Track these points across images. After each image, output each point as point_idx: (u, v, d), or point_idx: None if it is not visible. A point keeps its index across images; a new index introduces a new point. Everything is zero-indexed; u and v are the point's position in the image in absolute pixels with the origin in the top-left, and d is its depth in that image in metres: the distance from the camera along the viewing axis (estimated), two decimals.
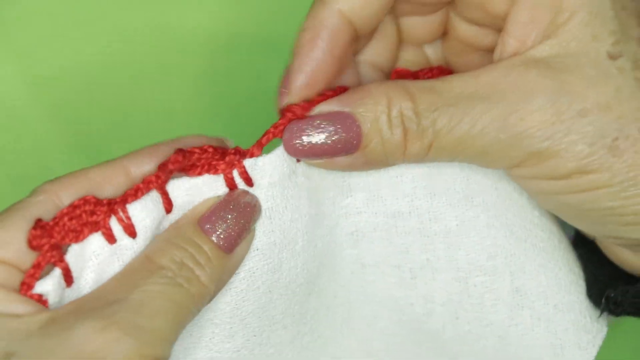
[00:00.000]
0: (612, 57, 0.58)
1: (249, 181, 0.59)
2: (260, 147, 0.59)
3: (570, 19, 0.57)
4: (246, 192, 0.58)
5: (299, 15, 0.61)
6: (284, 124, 0.59)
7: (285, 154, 0.59)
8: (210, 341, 0.61)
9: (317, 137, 0.58)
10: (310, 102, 0.59)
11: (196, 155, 0.58)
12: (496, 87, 0.57)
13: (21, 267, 0.54)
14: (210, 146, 0.58)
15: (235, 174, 0.58)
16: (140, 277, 0.54)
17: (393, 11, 0.63)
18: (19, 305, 0.53)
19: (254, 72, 0.88)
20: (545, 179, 0.58)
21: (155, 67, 0.88)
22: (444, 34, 0.65)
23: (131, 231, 0.56)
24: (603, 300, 0.64)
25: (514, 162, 0.58)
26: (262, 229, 0.60)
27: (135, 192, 0.56)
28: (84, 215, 0.55)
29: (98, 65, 0.88)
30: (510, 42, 0.59)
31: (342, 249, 0.64)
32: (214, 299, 0.59)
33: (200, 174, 0.58)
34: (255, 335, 0.62)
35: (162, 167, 0.57)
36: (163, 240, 0.56)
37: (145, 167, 0.57)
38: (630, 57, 0.58)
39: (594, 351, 0.66)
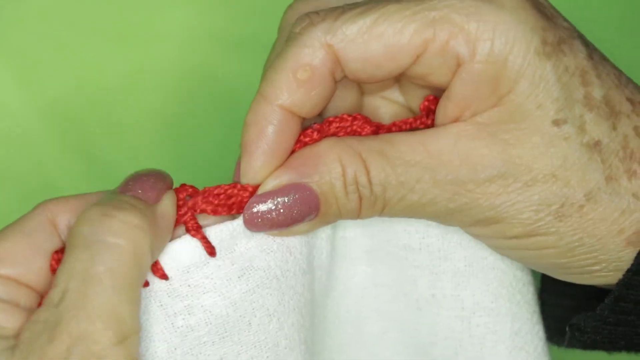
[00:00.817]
0: (557, 124, 0.58)
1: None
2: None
3: (512, 90, 0.58)
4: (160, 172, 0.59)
5: None
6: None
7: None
8: None
9: (276, 213, 0.59)
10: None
11: (222, 194, 0.59)
12: (444, 157, 0.59)
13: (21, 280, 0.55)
14: (236, 184, 0.59)
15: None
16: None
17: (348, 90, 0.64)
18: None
19: (256, 74, 0.88)
20: (495, 237, 0.60)
21: (153, 69, 0.88)
22: (398, 81, 0.65)
23: (161, 274, 0.57)
24: (567, 329, 0.64)
25: (462, 225, 0.60)
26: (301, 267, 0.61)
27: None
28: None
29: (95, 68, 0.87)
30: (453, 108, 0.59)
31: (356, 265, 0.65)
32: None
33: (230, 213, 0.59)
34: None
35: (190, 209, 0.58)
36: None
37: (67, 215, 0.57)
38: (575, 122, 0.58)
39: None
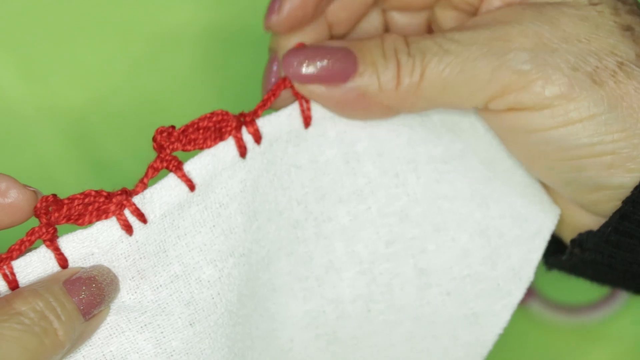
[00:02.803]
0: (593, 3, 0.60)
1: (142, 217, 0.58)
2: (144, 185, 0.59)
3: None
4: (108, 270, 0.58)
5: None
6: (156, 167, 0.59)
7: (173, 186, 0.59)
8: None
9: (315, 62, 0.60)
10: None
11: (77, 202, 0.57)
12: (480, 21, 0.60)
13: None
14: (91, 190, 0.58)
15: (127, 213, 0.58)
16: None
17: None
18: None
19: (252, 67, 0.87)
20: (529, 108, 0.59)
21: (152, 63, 0.87)
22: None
23: (14, 286, 0.56)
24: (569, 243, 0.64)
25: (500, 86, 0.59)
26: (160, 263, 0.59)
27: (19, 246, 0.56)
28: None
29: (95, 61, 0.87)
30: (494, 2, 0.61)
31: (258, 277, 0.64)
32: (132, 340, 0.59)
33: (90, 221, 0.57)
34: None
35: (45, 218, 0.57)
36: (27, 289, 0.55)
37: None
38: (609, 4, 0.60)
39: (507, 315, 0.66)
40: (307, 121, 0.63)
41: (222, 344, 0.62)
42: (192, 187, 0.59)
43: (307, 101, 0.62)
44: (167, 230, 0.59)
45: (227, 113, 0.61)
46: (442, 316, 0.66)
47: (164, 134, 0.60)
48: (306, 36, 0.63)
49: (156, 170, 0.59)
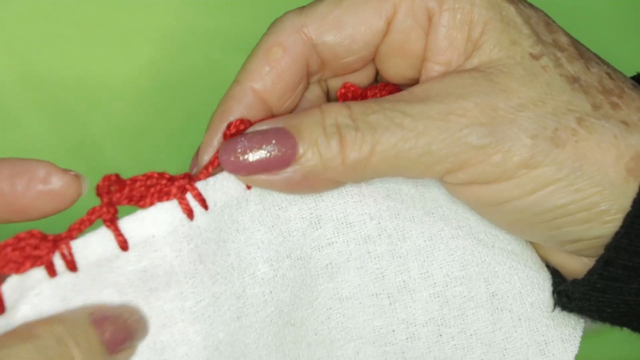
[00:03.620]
0: (535, 57, 0.59)
1: (204, 203, 0.58)
2: (208, 172, 0.59)
3: (485, 30, 0.59)
4: (137, 309, 0.57)
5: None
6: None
7: (233, 179, 0.59)
8: None
9: (253, 152, 0.58)
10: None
11: (139, 183, 0.57)
12: (431, 92, 0.58)
13: None
14: (153, 172, 0.57)
15: (189, 197, 0.58)
16: (11, 339, 0.53)
17: (322, 76, 0.63)
18: None
19: None
20: (492, 181, 0.59)
21: (152, 67, 0.88)
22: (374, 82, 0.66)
23: (72, 267, 0.55)
24: (555, 295, 0.64)
25: (458, 160, 0.58)
26: (219, 252, 0.59)
27: (79, 225, 0.56)
28: (27, 248, 0.54)
29: (93, 65, 0.87)
30: (435, 67, 0.60)
31: (318, 284, 0.63)
32: (183, 332, 0.58)
33: (152, 203, 0.57)
34: None
35: (107, 197, 0.56)
36: (53, 316, 0.54)
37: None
38: (550, 57, 0.59)
39: (577, 342, 0.66)
40: None
41: (268, 341, 0.61)
42: (249, 186, 0.60)
43: None
44: (226, 221, 0.59)
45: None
46: (514, 342, 0.66)
47: (233, 127, 0.60)
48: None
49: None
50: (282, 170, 0.58)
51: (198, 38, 0.88)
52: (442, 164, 0.58)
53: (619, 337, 0.70)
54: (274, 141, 0.58)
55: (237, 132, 0.59)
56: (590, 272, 0.61)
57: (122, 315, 0.56)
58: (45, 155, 0.87)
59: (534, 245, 0.66)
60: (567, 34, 0.61)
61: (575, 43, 0.61)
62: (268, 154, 0.58)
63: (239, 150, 0.58)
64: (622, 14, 0.90)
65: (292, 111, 0.63)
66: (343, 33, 0.60)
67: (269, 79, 0.60)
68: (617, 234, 0.59)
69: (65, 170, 0.56)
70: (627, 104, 0.59)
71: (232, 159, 0.58)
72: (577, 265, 0.64)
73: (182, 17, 0.88)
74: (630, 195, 0.58)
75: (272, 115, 0.61)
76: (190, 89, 0.89)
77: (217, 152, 0.59)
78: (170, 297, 0.58)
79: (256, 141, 0.58)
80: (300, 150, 0.58)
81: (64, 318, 0.54)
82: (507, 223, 0.62)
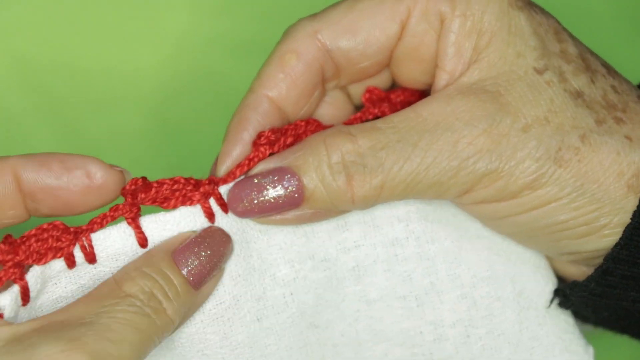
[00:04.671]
0: (539, 71, 0.60)
1: (224, 207, 0.59)
2: (234, 177, 0.59)
3: (492, 41, 0.59)
4: (222, 230, 0.58)
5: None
6: (257, 156, 0.59)
7: None
8: None
9: (260, 196, 0.58)
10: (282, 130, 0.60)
11: (166, 187, 0.58)
12: (438, 118, 0.59)
13: None
14: (180, 177, 0.58)
15: (212, 201, 0.59)
16: (108, 302, 0.54)
17: (338, 83, 0.64)
18: None
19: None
20: (496, 201, 0.60)
21: (154, 69, 0.88)
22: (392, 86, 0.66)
23: (91, 258, 0.57)
24: (552, 293, 0.65)
25: (465, 187, 0.59)
26: (242, 253, 0.60)
27: (101, 220, 0.57)
28: (50, 240, 0.56)
29: (95, 66, 0.87)
30: (442, 75, 0.61)
31: (344, 286, 0.64)
32: (202, 329, 0.59)
33: (175, 206, 0.58)
34: None
35: (131, 198, 0.57)
36: (134, 268, 0.56)
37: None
38: (555, 71, 0.60)
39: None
40: None
41: (290, 342, 0.62)
42: None
43: None
44: (249, 222, 0.60)
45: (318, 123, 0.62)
46: (540, 340, 0.66)
47: (264, 138, 0.60)
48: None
49: (249, 164, 0.60)
50: (292, 211, 0.59)
51: (202, 41, 0.88)
52: (450, 191, 0.60)
53: (624, 339, 0.70)
54: (279, 186, 0.58)
55: (268, 142, 0.60)
56: (588, 280, 0.62)
57: (204, 242, 0.57)
58: (38, 146, 0.87)
59: None
60: (577, 43, 0.61)
61: (583, 54, 0.61)
62: (274, 200, 0.58)
63: (246, 202, 0.58)
64: (625, 15, 0.90)
65: (308, 117, 0.63)
66: (357, 38, 0.60)
67: (283, 86, 0.61)
68: (616, 245, 0.60)
69: (111, 166, 0.57)
70: (631, 119, 0.60)
71: (241, 206, 0.59)
72: (576, 272, 0.65)
73: (185, 20, 0.88)
74: (630, 210, 0.59)
75: (288, 123, 0.62)
76: (193, 93, 0.89)
77: (249, 162, 0.60)
78: None
79: (262, 187, 0.58)
80: (307, 192, 0.58)
81: (147, 272, 0.56)
82: (507, 234, 0.64)
